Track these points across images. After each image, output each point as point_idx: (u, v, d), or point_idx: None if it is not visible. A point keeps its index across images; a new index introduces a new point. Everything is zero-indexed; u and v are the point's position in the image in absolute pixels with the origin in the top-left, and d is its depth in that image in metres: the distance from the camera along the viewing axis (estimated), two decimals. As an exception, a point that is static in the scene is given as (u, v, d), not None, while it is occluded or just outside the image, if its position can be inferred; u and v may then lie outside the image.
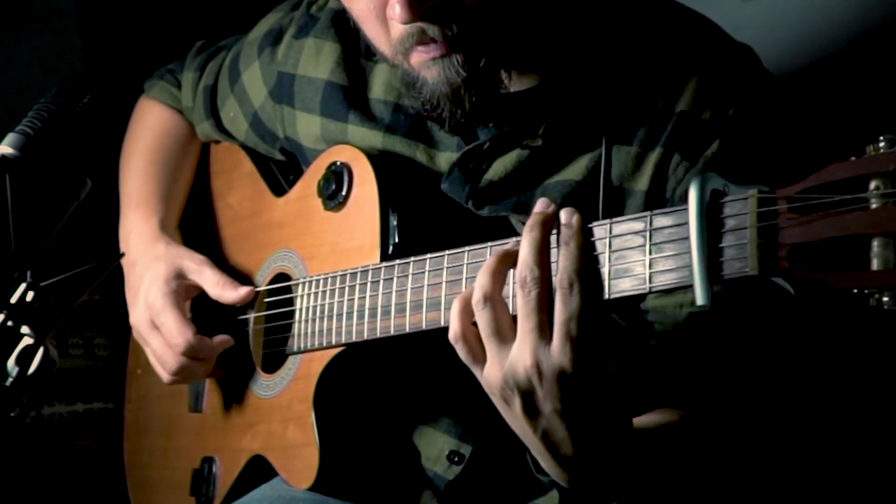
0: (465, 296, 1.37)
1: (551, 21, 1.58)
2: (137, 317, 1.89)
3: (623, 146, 1.56)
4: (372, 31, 1.57)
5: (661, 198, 1.55)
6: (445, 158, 1.69)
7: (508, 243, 1.40)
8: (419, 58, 1.52)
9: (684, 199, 1.49)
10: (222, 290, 1.85)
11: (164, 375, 1.87)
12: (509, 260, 1.35)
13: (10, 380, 1.49)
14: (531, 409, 1.34)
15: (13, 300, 1.50)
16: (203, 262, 1.89)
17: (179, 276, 1.88)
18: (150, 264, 1.90)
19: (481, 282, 1.34)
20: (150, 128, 2.08)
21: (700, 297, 1.22)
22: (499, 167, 1.64)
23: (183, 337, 1.82)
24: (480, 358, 1.36)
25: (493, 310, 1.33)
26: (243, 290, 1.83)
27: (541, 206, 1.36)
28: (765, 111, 1.54)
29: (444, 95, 1.53)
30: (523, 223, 1.60)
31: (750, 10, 2.12)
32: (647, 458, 1.42)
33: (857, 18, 2.04)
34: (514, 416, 1.37)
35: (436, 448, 1.71)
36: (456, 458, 1.69)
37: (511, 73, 1.58)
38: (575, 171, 1.59)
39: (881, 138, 1.14)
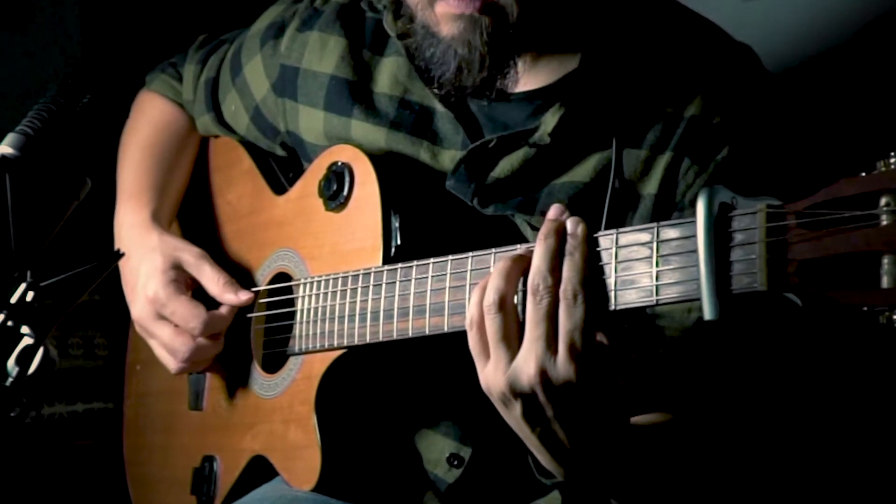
0: (483, 285, 1.36)
1: (572, 19, 1.57)
2: (139, 311, 1.87)
3: (632, 150, 1.56)
4: None
5: (670, 202, 1.54)
6: (449, 156, 1.68)
7: (517, 249, 1.39)
8: (447, 7, 1.50)
9: (694, 205, 1.49)
10: (222, 290, 1.83)
11: (174, 364, 1.85)
12: (523, 263, 1.34)
13: (10, 380, 1.48)
14: (531, 414, 1.35)
15: (13, 300, 1.50)
16: (201, 255, 1.87)
17: (177, 268, 1.86)
18: (144, 256, 1.88)
19: (496, 284, 1.33)
20: (149, 120, 2.06)
21: (708, 312, 1.21)
22: (505, 165, 1.63)
23: (198, 319, 1.80)
24: (488, 352, 1.35)
25: (504, 316, 1.33)
26: (244, 295, 1.82)
27: (555, 212, 1.35)
28: (774, 116, 1.54)
29: (457, 57, 1.51)
30: (529, 224, 1.61)
31: (750, 9, 2.12)
32: (644, 454, 1.42)
33: (856, 17, 2.04)
34: (512, 418, 1.38)
35: (436, 451, 1.71)
36: (455, 462, 1.69)
37: (525, 66, 1.56)
38: (583, 172, 1.59)
39: (892, 154, 1.13)
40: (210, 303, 1.85)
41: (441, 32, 1.52)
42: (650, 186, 1.55)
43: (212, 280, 1.84)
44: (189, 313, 1.81)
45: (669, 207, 1.54)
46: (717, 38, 1.61)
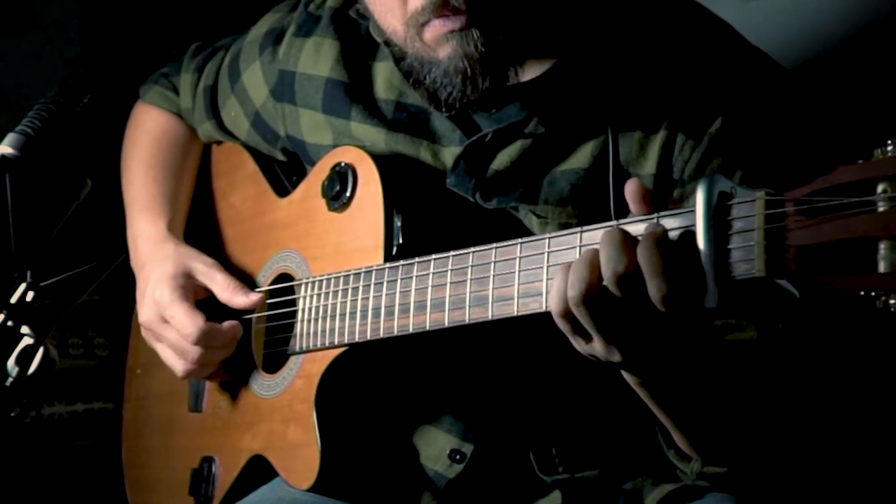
0: (562, 285, 1.32)
1: (562, 7, 1.59)
2: (146, 314, 1.88)
3: (627, 132, 1.57)
4: (387, 4, 1.56)
5: (669, 179, 1.56)
6: (450, 153, 1.69)
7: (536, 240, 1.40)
8: (435, 31, 1.53)
9: (694, 179, 1.51)
10: (232, 294, 1.84)
11: (180, 368, 1.85)
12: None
13: (10, 380, 1.49)
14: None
15: (13, 300, 1.50)
16: (213, 264, 1.88)
17: (187, 276, 1.87)
18: (157, 264, 1.90)
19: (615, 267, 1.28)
20: (148, 132, 2.08)
21: (708, 300, 1.22)
22: (504, 157, 1.64)
23: (195, 325, 1.81)
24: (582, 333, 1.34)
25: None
26: (254, 296, 1.83)
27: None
28: (763, 89, 1.56)
29: (459, 71, 1.53)
30: (534, 213, 1.62)
31: (750, 9, 2.14)
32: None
33: (855, 17, 2.06)
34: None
35: (437, 447, 1.71)
36: (458, 457, 1.70)
37: (521, 62, 1.58)
38: (581, 158, 1.60)
39: (889, 142, 1.14)
40: (215, 318, 1.86)
41: (438, 56, 1.55)
42: (648, 166, 1.57)
43: (222, 286, 1.85)
44: (187, 319, 1.82)
45: (669, 185, 1.55)
46: (710, 22, 1.63)
